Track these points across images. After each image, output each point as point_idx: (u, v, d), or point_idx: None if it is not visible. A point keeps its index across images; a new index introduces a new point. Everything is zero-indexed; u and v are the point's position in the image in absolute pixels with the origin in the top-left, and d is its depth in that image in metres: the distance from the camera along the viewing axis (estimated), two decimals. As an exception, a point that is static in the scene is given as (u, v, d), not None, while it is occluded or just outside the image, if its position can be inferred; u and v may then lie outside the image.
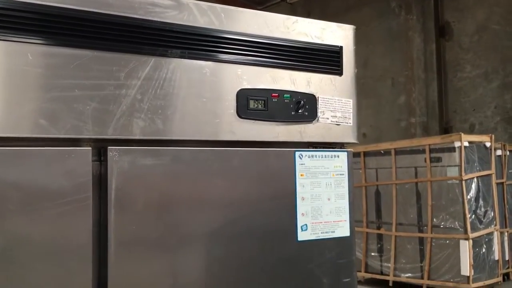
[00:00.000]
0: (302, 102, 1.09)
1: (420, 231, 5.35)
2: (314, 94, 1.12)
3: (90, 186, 0.88)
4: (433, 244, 5.23)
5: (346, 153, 1.16)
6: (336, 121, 1.14)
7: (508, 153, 5.95)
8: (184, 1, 0.99)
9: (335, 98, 1.15)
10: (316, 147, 1.13)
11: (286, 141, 1.09)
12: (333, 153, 1.14)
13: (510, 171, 5.97)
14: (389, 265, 5.61)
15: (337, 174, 1.13)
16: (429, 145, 5.27)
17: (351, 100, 1.17)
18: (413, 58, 8.76)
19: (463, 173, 5.03)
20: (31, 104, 0.83)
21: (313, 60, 1.12)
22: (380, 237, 5.75)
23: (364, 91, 9.79)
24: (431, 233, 5.20)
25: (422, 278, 5.27)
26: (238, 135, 1.03)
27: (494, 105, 8.08)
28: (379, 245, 5.75)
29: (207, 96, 1.00)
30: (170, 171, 0.96)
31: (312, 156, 1.11)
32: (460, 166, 4.99)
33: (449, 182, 5.10)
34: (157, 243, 0.93)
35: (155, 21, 0.95)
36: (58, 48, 0.86)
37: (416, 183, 5.40)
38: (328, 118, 1.13)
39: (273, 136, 1.07)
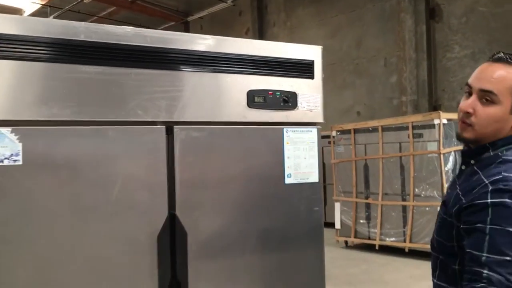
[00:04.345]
0: (287, 97, 1.80)
1: (403, 200, 6.12)
2: (296, 92, 1.83)
3: (164, 148, 1.60)
4: (415, 211, 6.00)
5: (316, 129, 1.87)
6: (310, 109, 1.86)
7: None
8: (219, 37, 1.69)
9: (309, 94, 1.86)
10: (297, 125, 1.84)
11: (277, 122, 1.81)
12: (308, 129, 1.85)
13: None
14: (376, 231, 6.38)
15: (310, 143, 1.85)
16: (412, 122, 5.97)
17: (319, 95, 1.88)
18: (405, 39, 9.37)
19: (441, 148, 5.75)
20: (136, 101, 1.54)
21: (294, 70, 1.83)
22: (368, 206, 6.53)
23: (358, 71, 10.47)
24: (413, 201, 5.97)
25: (404, 241, 6.06)
26: (248, 118, 1.74)
27: (480, 84, 8.72)
28: (367, 213, 6.53)
29: (230, 95, 1.71)
30: (208, 140, 1.67)
31: (294, 131, 1.83)
32: (439, 141, 5.71)
33: (429, 155, 5.83)
34: (203, 179, 1.65)
35: (197, 50, 1.65)
36: (145, 70, 1.57)
37: (400, 157, 6.14)
38: (304, 107, 1.85)
39: (269, 119, 1.78)
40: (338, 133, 6.85)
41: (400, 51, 9.50)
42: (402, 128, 6.12)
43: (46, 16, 12.21)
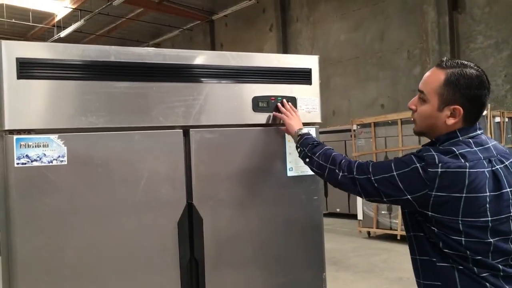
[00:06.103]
0: (288, 101, 2.10)
1: (423, 190, 6.29)
2: (295, 96, 2.13)
3: (182, 148, 1.92)
4: (434, 201, 6.16)
5: (314, 128, 2.16)
6: (308, 111, 2.15)
7: (506, 119, 6.77)
8: (227, 52, 2.00)
9: (307, 98, 2.15)
10: (296, 125, 2.13)
11: (279, 123, 2.10)
12: (307, 129, 2.14)
13: (508, 135, 6.79)
14: (397, 221, 6.59)
15: (309, 140, 2.14)
16: (430, 115, 6.11)
17: (317, 98, 2.17)
18: (427, 30, 9.47)
19: (459, 139, 5.88)
20: (158, 110, 1.87)
21: (294, 77, 2.12)
22: (389, 197, 6.73)
23: (381, 63, 10.62)
24: (433, 192, 6.13)
25: (425, 231, 6.25)
26: (254, 121, 2.05)
27: (505, 73, 8.80)
28: (388, 205, 6.74)
29: (237, 101, 2.02)
30: (219, 140, 1.99)
31: (295, 130, 2.12)
32: (456, 133, 5.85)
33: (448, 147, 5.97)
34: (216, 174, 1.97)
35: (208, 65, 1.97)
36: (165, 83, 1.89)
37: (420, 149, 6.30)
38: (303, 109, 2.14)
39: (272, 121, 2.08)
40: (358, 126, 7.07)
41: (423, 43, 9.61)
42: (421, 120, 6.28)
43: (78, 19, 12.81)
